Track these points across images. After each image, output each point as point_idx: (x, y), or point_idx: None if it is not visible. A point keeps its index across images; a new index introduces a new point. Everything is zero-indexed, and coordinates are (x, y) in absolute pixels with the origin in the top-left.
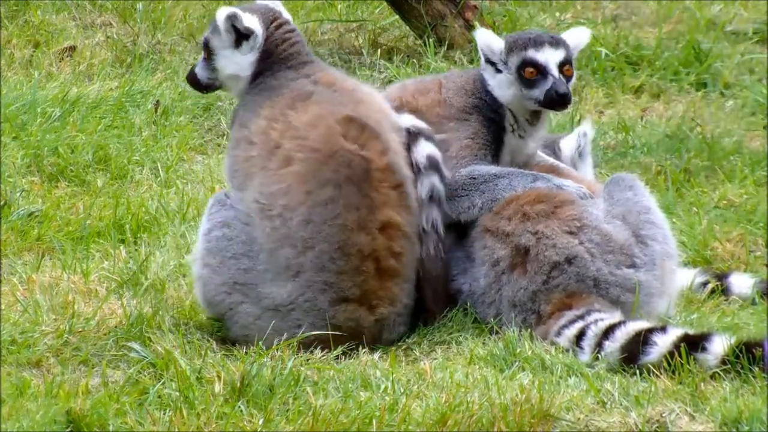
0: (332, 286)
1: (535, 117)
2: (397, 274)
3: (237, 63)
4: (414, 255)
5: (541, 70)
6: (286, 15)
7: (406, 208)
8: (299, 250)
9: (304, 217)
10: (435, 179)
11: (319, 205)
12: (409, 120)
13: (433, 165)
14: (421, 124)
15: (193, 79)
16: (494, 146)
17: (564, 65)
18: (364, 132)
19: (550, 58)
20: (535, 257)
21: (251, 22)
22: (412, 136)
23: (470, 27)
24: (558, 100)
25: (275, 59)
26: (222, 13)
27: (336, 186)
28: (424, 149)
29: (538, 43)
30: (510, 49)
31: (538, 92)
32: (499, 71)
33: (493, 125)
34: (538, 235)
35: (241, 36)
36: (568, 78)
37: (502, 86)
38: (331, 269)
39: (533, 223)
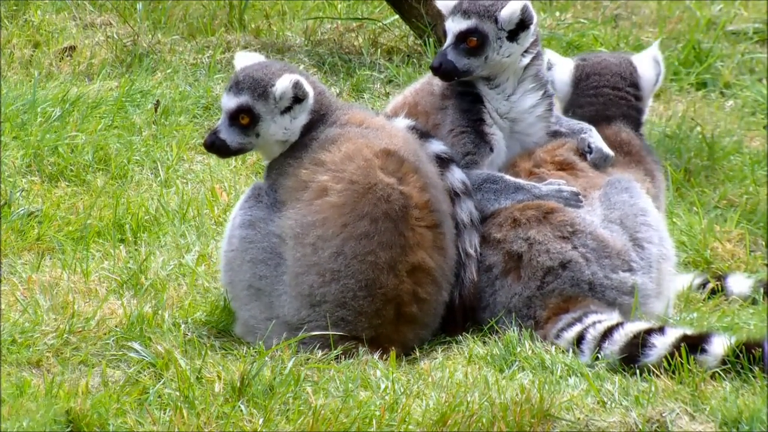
0: (348, 323)
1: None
2: (416, 321)
3: (287, 128)
4: (439, 302)
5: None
6: None
7: (440, 250)
8: (325, 280)
9: (336, 249)
10: (471, 204)
11: (353, 239)
12: (438, 146)
13: (468, 190)
14: (449, 150)
15: (220, 147)
16: (474, 127)
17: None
18: (402, 165)
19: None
20: (528, 263)
21: (307, 86)
22: (444, 163)
23: None
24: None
25: (316, 117)
26: (285, 82)
27: (373, 220)
28: (457, 175)
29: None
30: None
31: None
32: None
33: (467, 100)
34: (530, 240)
35: (294, 101)
36: (471, 49)
37: None
38: (351, 307)
39: (524, 229)
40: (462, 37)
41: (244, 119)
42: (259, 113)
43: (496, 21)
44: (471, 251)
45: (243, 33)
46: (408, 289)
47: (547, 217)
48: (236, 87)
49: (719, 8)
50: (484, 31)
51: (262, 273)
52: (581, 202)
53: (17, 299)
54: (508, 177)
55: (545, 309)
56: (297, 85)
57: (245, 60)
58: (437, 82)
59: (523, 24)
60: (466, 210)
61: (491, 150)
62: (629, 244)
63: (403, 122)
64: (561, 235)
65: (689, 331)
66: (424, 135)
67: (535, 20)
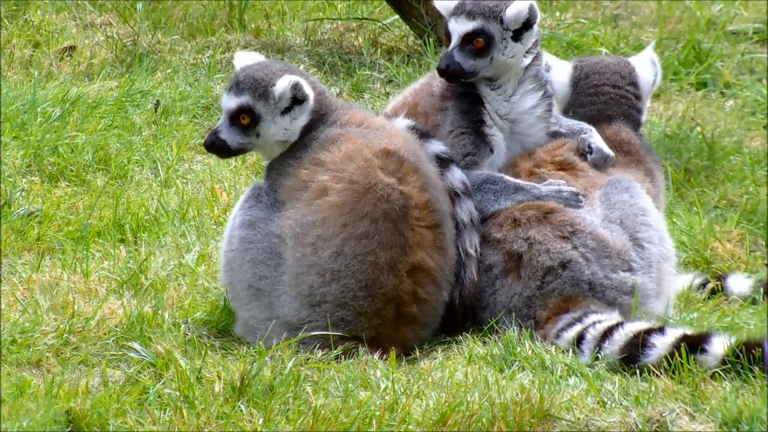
0: (348, 323)
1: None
2: (416, 321)
3: (287, 129)
4: (439, 302)
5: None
6: None
7: (440, 250)
8: (325, 280)
9: (336, 249)
10: (470, 204)
11: (353, 239)
12: (438, 146)
13: (468, 190)
14: (449, 150)
15: (220, 147)
16: (473, 128)
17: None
18: (402, 165)
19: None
20: (528, 263)
21: (307, 88)
22: (444, 163)
23: None
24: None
25: (315, 117)
26: (284, 83)
27: (373, 221)
28: (457, 175)
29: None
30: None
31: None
32: None
33: (467, 101)
34: (530, 240)
35: (293, 101)
36: (478, 50)
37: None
38: (351, 307)
39: (525, 229)
40: (468, 38)
41: (245, 119)
42: (260, 113)
43: (501, 21)
44: (471, 251)
45: (243, 33)
46: (408, 289)
47: (547, 217)
48: (237, 87)
49: (719, 8)
50: (490, 32)
51: (262, 273)
52: (581, 202)
53: (17, 299)
54: (507, 177)
55: (545, 309)
56: (296, 87)
57: (245, 60)
58: (437, 83)
59: (527, 24)
60: (466, 210)
61: (491, 151)
62: (629, 244)
63: (403, 122)
64: (561, 235)
65: (689, 331)
66: (423, 135)
67: (539, 20)
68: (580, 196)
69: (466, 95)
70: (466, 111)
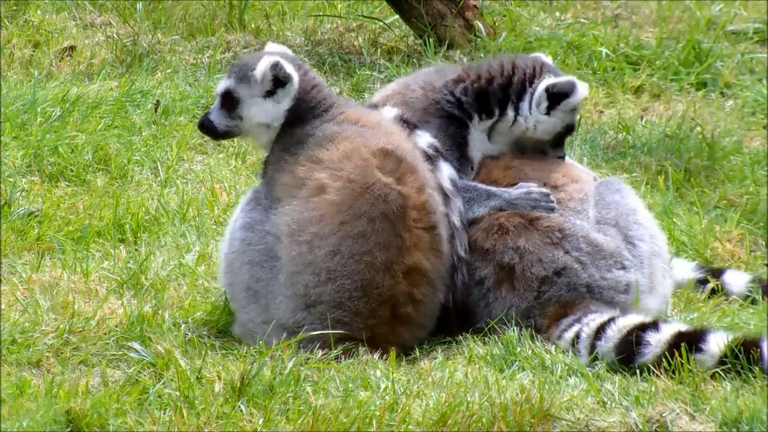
0: (344, 324)
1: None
2: (412, 322)
3: (269, 112)
4: (434, 303)
5: None
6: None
7: (436, 252)
8: (321, 279)
9: (332, 247)
10: (460, 203)
11: (350, 238)
12: (425, 139)
13: (457, 188)
14: (436, 143)
15: (209, 127)
16: (458, 149)
17: None
18: (400, 165)
19: None
20: (521, 274)
21: (290, 69)
22: (432, 159)
23: (470, 27)
24: None
25: (306, 107)
26: (265, 63)
27: (370, 220)
28: (445, 172)
29: None
30: None
31: None
32: None
33: (453, 124)
34: (521, 251)
35: (276, 84)
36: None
37: None
38: (347, 308)
39: (513, 238)
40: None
41: (227, 103)
42: (239, 96)
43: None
44: (463, 254)
45: (243, 33)
46: (403, 290)
47: (534, 223)
48: (228, 71)
49: (719, 8)
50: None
51: (259, 275)
52: (552, 202)
53: (17, 299)
54: (480, 185)
55: (545, 317)
56: (276, 66)
57: (271, 48)
58: (412, 96)
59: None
60: (456, 211)
61: (472, 169)
62: (622, 242)
63: (390, 112)
64: (551, 242)
65: (683, 327)
66: (411, 125)
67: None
68: (551, 197)
69: (454, 119)
70: (452, 133)
